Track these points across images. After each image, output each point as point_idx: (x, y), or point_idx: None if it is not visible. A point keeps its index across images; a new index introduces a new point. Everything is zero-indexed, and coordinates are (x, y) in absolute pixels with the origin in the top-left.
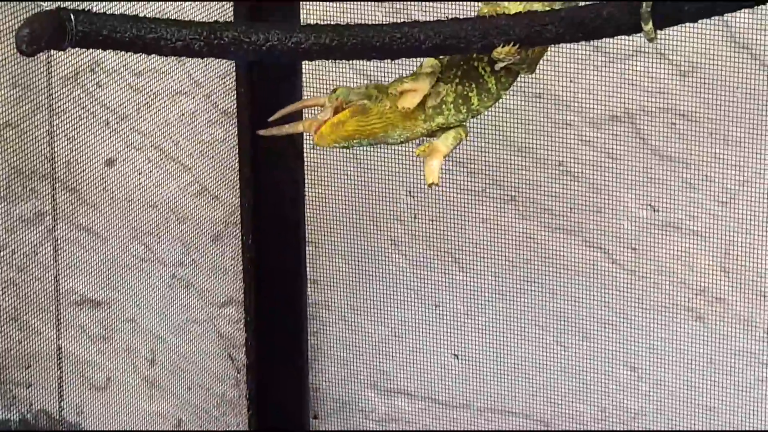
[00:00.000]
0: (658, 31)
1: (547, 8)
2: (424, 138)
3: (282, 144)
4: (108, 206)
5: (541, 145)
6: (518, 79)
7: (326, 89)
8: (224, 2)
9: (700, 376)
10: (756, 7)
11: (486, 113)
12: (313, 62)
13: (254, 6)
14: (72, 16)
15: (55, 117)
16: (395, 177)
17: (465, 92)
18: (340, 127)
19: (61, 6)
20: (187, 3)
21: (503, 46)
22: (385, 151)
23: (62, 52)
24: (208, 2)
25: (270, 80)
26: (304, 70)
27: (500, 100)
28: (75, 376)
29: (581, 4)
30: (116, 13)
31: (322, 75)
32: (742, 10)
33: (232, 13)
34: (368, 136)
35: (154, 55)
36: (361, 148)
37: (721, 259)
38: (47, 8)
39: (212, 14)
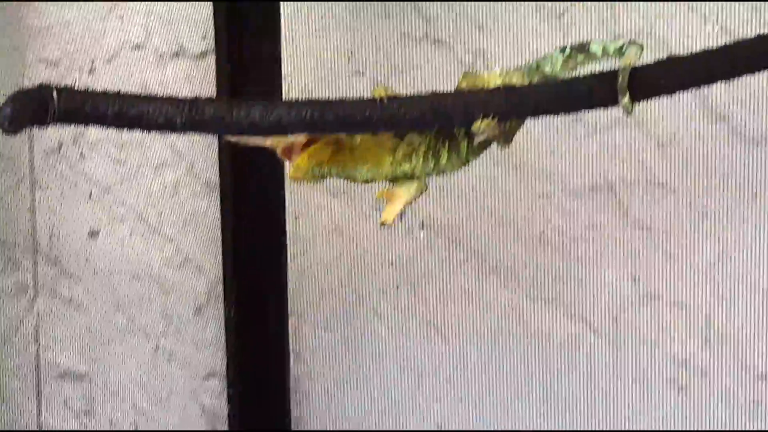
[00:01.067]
0: (636, 104)
1: (526, 82)
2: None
3: (265, 216)
4: (91, 278)
5: (522, 216)
6: (497, 150)
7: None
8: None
9: None
10: (732, 79)
11: (467, 183)
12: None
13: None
14: (54, 94)
15: (38, 189)
16: (377, 248)
17: (437, 147)
18: (314, 157)
19: (42, 84)
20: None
21: (482, 120)
22: (368, 222)
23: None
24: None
25: (252, 152)
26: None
27: (483, 172)
28: None
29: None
30: (97, 90)
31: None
32: (719, 83)
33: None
34: (339, 168)
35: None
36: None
37: (702, 329)
38: (27, 87)
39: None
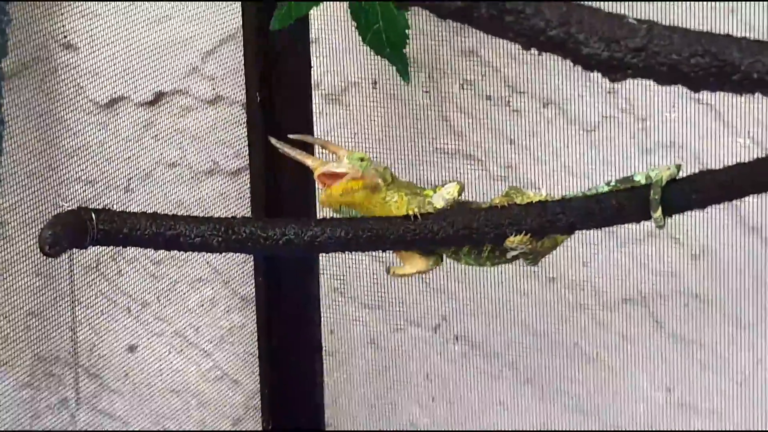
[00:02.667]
0: (668, 218)
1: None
2: None
3: (300, 330)
4: (130, 392)
5: (556, 328)
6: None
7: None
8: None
9: None
10: (764, 192)
11: (501, 296)
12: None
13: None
14: (93, 215)
15: (77, 305)
16: (413, 361)
17: None
18: (349, 194)
19: (81, 207)
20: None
21: (515, 236)
22: (403, 335)
23: None
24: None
25: (288, 266)
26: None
27: (517, 284)
28: None
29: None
30: (134, 212)
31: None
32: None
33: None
34: (366, 212)
35: None
36: None
37: None
38: (68, 208)
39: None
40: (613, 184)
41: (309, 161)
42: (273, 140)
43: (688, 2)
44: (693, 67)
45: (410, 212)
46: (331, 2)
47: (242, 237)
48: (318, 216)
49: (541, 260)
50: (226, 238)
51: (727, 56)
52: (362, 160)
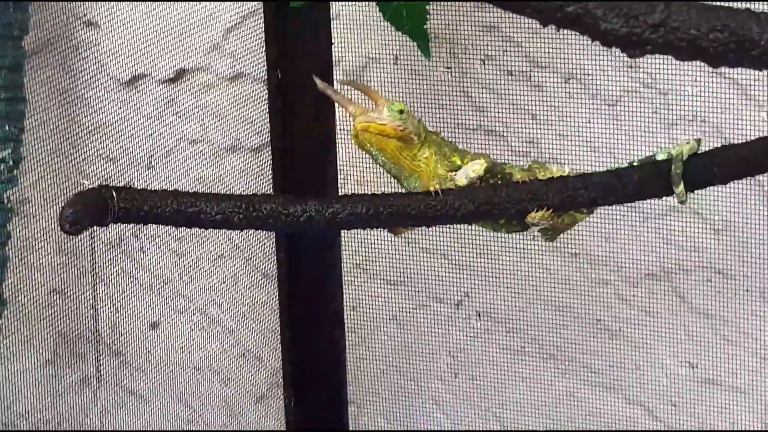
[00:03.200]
0: (690, 193)
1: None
2: None
3: (322, 306)
4: (153, 369)
5: (579, 303)
6: (555, 239)
7: None
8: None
9: None
10: None
11: (523, 271)
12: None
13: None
14: (114, 193)
15: (99, 282)
16: (435, 337)
17: None
18: (383, 140)
19: (101, 185)
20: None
21: (537, 211)
22: (424, 311)
23: None
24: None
25: (310, 242)
26: None
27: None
28: None
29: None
30: (156, 189)
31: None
32: None
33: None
34: (394, 164)
35: None
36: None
37: (762, 414)
38: (89, 186)
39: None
40: (636, 164)
41: (351, 107)
42: (318, 80)
43: None
44: (712, 43)
45: (432, 188)
46: None
47: (263, 214)
48: (339, 192)
49: (558, 237)
50: (247, 215)
51: (746, 31)
52: (401, 112)
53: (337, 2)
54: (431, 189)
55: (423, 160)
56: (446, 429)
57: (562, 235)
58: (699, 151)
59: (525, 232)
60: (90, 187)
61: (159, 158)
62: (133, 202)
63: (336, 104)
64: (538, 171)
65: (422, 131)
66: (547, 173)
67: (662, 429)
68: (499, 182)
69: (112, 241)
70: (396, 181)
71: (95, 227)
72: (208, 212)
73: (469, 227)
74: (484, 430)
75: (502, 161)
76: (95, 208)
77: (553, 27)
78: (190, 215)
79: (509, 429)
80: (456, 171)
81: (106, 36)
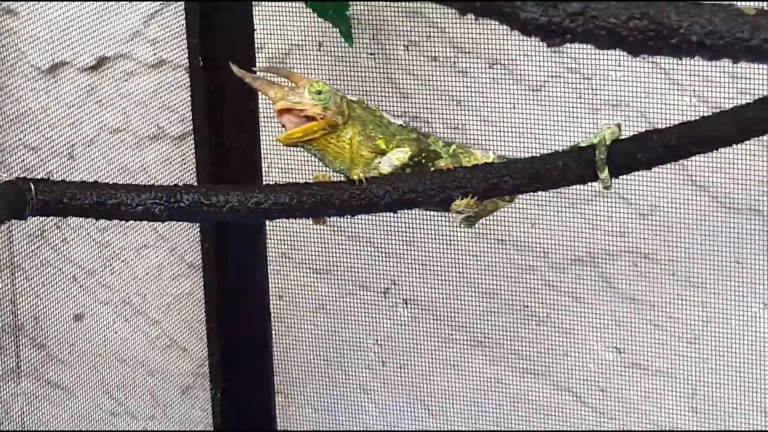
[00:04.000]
0: (614, 178)
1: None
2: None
3: (248, 296)
4: (76, 361)
5: (506, 290)
6: (479, 224)
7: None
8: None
9: None
10: (710, 151)
11: (450, 258)
12: None
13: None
14: (32, 186)
15: (21, 274)
16: (362, 326)
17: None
18: (309, 135)
19: (19, 177)
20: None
21: (461, 199)
22: (352, 300)
23: None
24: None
25: (235, 232)
26: None
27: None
28: None
29: None
30: (75, 180)
31: None
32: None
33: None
34: (321, 150)
35: None
36: None
37: (689, 398)
38: (11, 176)
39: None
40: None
41: (271, 92)
42: (235, 68)
43: None
44: (631, 31)
45: (356, 177)
46: None
47: (185, 205)
48: (264, 180)
49: (477, 222)
50: (169, 206)
51: (665, 19)
52: (320, 92)
53: None
54: (355, 177)
55: (346, 140)
56: (375, 417)
57: (487, 221)
58: (622, 136)
59: (446, 214)
60: (7, 179)
61: (81, 148)
62: (51, 195)
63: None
64: (462, 155)
65: (345, 108)
66: (472, 158)
67: (591, 414)
68: (424, 160)
69: (34, 232)
70: (321, 163)
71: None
72: (128, 204)
73: (395, 214)
74: (413, 416)
75: (430, 135)
76: (13, 201)
77: (472, 16)
78: (111, 207)
79: (437, 415)
80: (380, 154)
81: (26, 24)
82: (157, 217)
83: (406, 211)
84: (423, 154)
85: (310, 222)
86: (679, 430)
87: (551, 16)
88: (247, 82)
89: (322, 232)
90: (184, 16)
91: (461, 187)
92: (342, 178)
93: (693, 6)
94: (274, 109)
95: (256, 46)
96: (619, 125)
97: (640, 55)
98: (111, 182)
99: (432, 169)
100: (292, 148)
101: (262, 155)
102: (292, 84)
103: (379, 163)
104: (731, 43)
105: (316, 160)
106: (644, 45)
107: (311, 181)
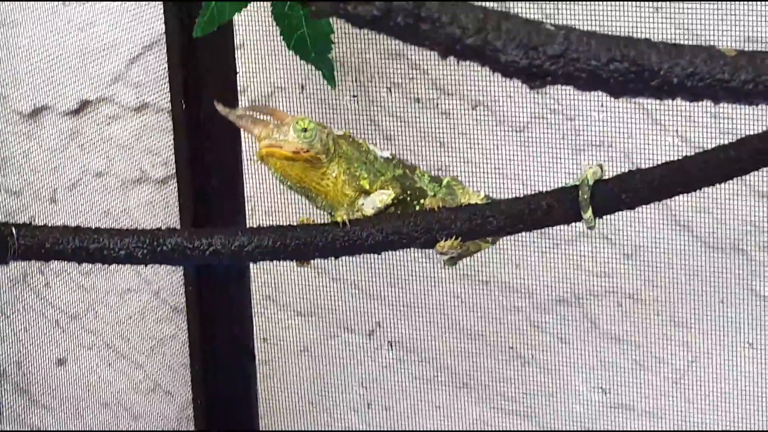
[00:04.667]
0: (598, 218)
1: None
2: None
3: (232, 339)
4: (60, 407)
5: (491, 331)
6: (464, 266)
7: None
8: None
9: None
10: (693, 191)
11: (435, 299)
12: None
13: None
14: (14, 230)
15: (3, 318)
16: (347, 368)
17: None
18: (288, 166)
19: (2, 222)
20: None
21: (446, 240)
22: (336, 342)
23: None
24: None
25: (218, 275)
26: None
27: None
28: None
29: None
30: (58, 224)
31: None
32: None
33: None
34: (303, 186)
35: None
36: None
37: None
38: None
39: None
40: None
41: (256, 130)
42: (219, 107)
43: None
44: (612, 73)
45: (339, 219)
46: (257, 7)
47: (168, 248)
48: (247, 223)
49: (459, 262)
50: (152, 249)
51: (646, 61)
52: (306, 130)
53: (241, 32)
54: (338, 219)
55: (331, 179)
56: None
57: (471, 263)
58: (605, 176)
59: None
60: None
61: (63, 192)
62: (33, 239)
63: (242, 130)
64: (456, 187)
65: (331, 145)
66: (465, 193)
67: None
68: (408, 197)
69: (16, 276)
70: (306, 200)
71: None
72: (111, 248)
73: (380, 256)
74: None
75: (416, 169)
76: None
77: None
78: (93, 251)
79: None
80: (363, 193)
81: (6, 68)
82: (140, 260)
83: (390, 252)
84: (408, 192)
85: (294, 264)
86: None
87: (532, 59)
88: (232, 120)
89: (306, 274)
90: (166, 59)
91: (445, 229)
92: (327, 218)
93: (674, 47)
94: (259, 147)
95: (238, 88)
96: (601, 165)
97: (621, 97)
98: (94, 226)
99: (417, 207)
100: (277, 187)
101: (246, 198)
102: (276, 121)
103: (363, 204)
104: (712, 85)
105: (301, 199)
106: (625, 87)
107: (295, 223)
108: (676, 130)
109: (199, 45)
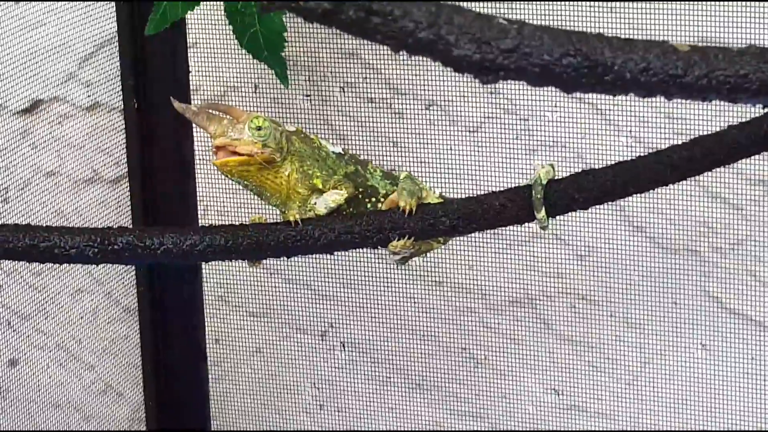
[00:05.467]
0: (552, 219)
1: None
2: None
3: (184, 340)
4: (11, 408)
5: (444, 332)
6: (416, 266)
7: None
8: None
9: None
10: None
11: (388, 300)
12: None
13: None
14: None
15: None
16: (299, 369)
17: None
18: (245, 168)
19: None
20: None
21: (399, 240)
22: (288, 343)
23: None
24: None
25: (171, 275)
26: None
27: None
28: None
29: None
30: (7, 223)
31: None
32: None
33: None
34: (258, 185)
35: None
36: None
37: None
38: None
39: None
40: None
41: (211, 127)
42: (176, 103)
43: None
44: (565, 68)
45: (291, 218)
46: (209, 6)
47: (119, 247)
48: (200, 222)
49: (410, 261)
50: (103, 248)
51: (599, 56)
52: (260, 129)
53: (194, 30)
54: (291, 219)
55: (284, 177)
56: None
57: (424, 263)
58: (557, 176)
59: (383, 252)
60: None
61: (14, 191)
62: None
63: (195, 127)
64: (412, 183)
65: (285, 144)
66: (421, 189)
67: None
68: (361, 195)
69: None
70: (259, 198)
71: None
72: (62, 247)
73: (332, 256)
74: None
75: (369, 163)
76: None
77: (406, 53)
78: (44, 250)
79: None
80: (316, 191)
81: None
82: (91, 259)
83: (343, 253)
84: (360, 190)
85: (246, 265)
86: None
87: (484, 53)
88: (188, 117)
89: (258, 275)
90: (118, 59)
91: (398, 228)
92: (279, 218)
93: (627, 42)
94: (213, 144)
95: (191, 88)
96: (552, 165)
97: (574, 92)
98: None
99: (369, 206)
100: (229, 187)
101: (198, 198)
102: (231, 119)
103: (315, 203)
104: (665, 80)
105: (253, 199)
106: (578, 82)
107: (247, 222)
108: (630, 131)
109: (152, 44)
